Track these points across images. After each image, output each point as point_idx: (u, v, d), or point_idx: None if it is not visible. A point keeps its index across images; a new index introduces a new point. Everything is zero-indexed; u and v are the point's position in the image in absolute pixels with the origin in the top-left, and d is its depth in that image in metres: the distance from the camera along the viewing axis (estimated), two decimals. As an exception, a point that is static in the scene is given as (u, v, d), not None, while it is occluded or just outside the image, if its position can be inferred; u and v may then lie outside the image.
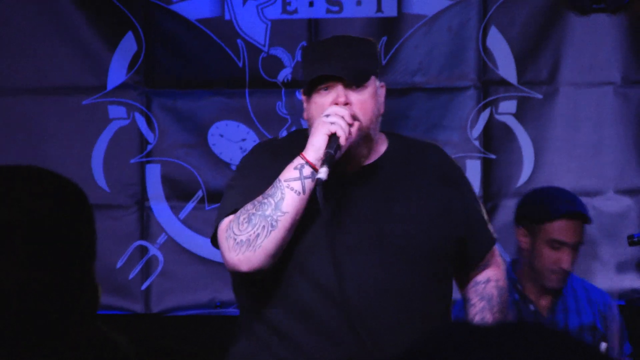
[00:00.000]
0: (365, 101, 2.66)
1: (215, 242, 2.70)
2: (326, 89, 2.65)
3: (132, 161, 4.37)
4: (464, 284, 2.88)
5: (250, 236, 2.55)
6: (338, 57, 2.66)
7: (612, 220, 4.37)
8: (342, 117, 2.56)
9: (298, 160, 2.60)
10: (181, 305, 4.49)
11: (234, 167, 4.46)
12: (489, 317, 2.70)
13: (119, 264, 4.36)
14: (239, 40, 4.32)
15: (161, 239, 4.49)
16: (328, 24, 4.34)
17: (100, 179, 4.36)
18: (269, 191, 2.61)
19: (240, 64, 4.36)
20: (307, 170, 2.53)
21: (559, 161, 4.46)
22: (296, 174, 2.56)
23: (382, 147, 2.78)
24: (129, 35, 4.32)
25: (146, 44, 4.33)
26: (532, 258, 3.47)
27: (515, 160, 4.47)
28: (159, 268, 4.52)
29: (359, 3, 4.35)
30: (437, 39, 4.30)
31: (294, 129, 4.48)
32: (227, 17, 4.31)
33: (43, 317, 1.58)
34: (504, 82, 4.38)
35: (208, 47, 4.34)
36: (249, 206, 2.64)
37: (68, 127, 4.40)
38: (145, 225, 4.41)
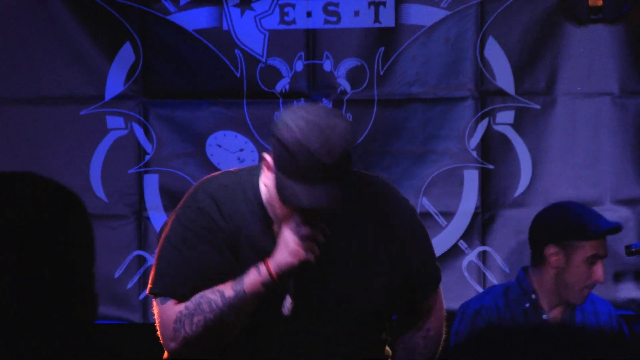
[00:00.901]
0: (337, 195, 2.55)
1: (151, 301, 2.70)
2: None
3: (130, 171, 4.38)
4: (399, 327, 2.89)
5: (205, 342, 2.57)
6: (324, 191, 2.51)
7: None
8: (315, 244, 2.53)
9: (264, 275, 2.56)
10: None
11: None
12: None
13: (117, 274, 4.37)
14: (236, 51, 4.32)
15: None
16: (326, 34, 4.37)
17: (99, 189, 4.37)
18: (232, 300, 2.58)
19: (238, 74, 4.36)
20: (270, 282, 2.51)
21: (556, 171, 4.47)
22: (262, 288, 2.53)
23: None
24: (127, 46, 4.33)
25: (144, 54, 4.34)
26: (565, 274, 3.57)
27: (513, 170, 4.47)
28: None
29: (356, 14, 4.35)
30: (434, 49, 4.32)
31: None
32: (225, 27, 4.33)
33: (36, 323, 1.57)
34: (501, 93, 4.39)
35: (206, 57, 4.35)
36: (205, 306, 2.62)
37: (66, 137, 4.39)
38: (144, 236, 4.41)
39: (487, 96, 4.41)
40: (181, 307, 2.59)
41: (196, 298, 2.59)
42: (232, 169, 2.87)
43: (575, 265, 3.56)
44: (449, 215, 4.31)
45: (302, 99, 4.54)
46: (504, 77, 4.39)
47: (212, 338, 2.58)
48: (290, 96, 4.33)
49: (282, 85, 4.37)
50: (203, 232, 2.66)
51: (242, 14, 4.32)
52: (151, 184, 4.39)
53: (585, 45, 4.40)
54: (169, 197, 4.37)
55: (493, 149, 4.50)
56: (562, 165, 4.48)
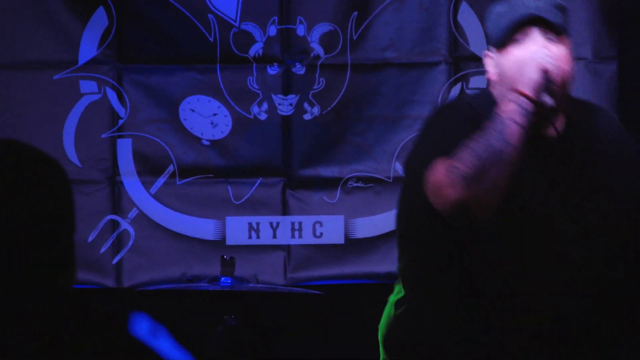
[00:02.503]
0: (566, 57, 2.49)
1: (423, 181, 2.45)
2: (519, 41, 2.51)
3: (103, 136, 4.45)
4: None
5: (478, 169, 2.31)
6: (539, 3, 2.51)
7: None
8: (552, 58, 2.41)
9: (513, 95, 2.42)
10: (152, 279, 4.53)
11: (205, 142, 4.58)
12: None
13: (90, 238, 4.43)
14: (210, 15, 4.38)
15: (132, 213, 4.55)
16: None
17: (72, 154, 4.45)
18: (489, 125, 2.40)
19: (212, 39, 4.41)
20: (526, 104, 2.35)
21: None
22: (515, 106, 2.38)
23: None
24: (100, 10, 4.38)
25: (117, 18, 4.39)
26: None
27: None
28: (130, 242, 4.57)
29: None
30: (408, 15, 4.41)
31: (265, 103, 4.55)
32: None
33: (21, 291, 1.57)
34: (474, 58, 4.37)
35: (179, 22, 4.40)
36: (466, 142, 2.40)
37: (39, 102, 4.45)
38: (117, 200, 4.48)
39: (460, 61, 4.46)
40: (448, 160, 2.42)
41: (460, 149, 2.43)
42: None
43: None
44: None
45: (275, 64, 4.55)
46: (477, 42, 4.39)
47: (488, 172, 2.34)
48: (264, 61, 4.41)
49: (256, 50, 4.43)
50: (453, 128, 2.56)
51: None
52: (124, 148, 4.46)
53: None
54: (143, 162, 4.45)
55: (467, 113, 4.35)
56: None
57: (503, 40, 2.45)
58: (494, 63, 2.48)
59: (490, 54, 2.51)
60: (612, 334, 2.29)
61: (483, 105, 2.52)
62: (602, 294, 2.36)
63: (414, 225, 2.49)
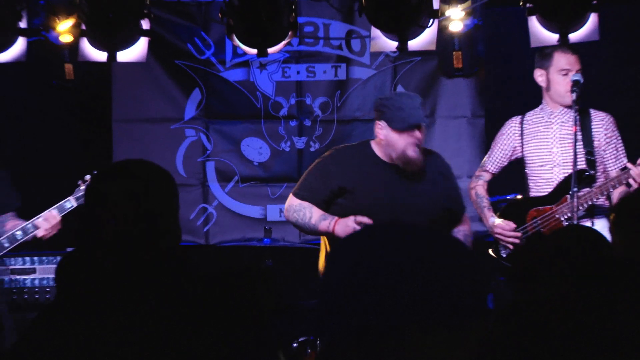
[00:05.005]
0: (422, 138, 3.75)
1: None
2: (403, 132, 3.62)
3: (198, 160, 5.80)
4: (449, 229, 3.93)
5: (294, 223, 3.79)
6: (418, 111, 3.69)
7: (467, 194, 4.98)
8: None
9: (330, 228, 3.70)
10: (225, 240, 5.78)
11: (255, 163, 5.75)
12: None
13: (191, 217, 5.77)
14: (257, 92, 5.74)
15: (214, 203, 5.81)
16: (307, 83, 5.70)
17: (181, 170, 5.80)
18: (310, 223, 3.71)
19: (259, 106, 5.77)
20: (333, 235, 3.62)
21: None
22: (326, 232, 3.70)
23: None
24: (197, 90, 5.74)
25: (206, 95, 5.71)
26: None
27: None
28: (213, 219, 5.82)
29: (325, 72, 5.71)
30: (368, 91, 5.69)
31: (288, 142, 5.79)
32: (251, 79, 5.75)
33: (150, 246, 1.92)
34: None
35: (241, 96, 5.68)
36: (300, 213, 3.73)
37: (162, 141, 5.78)
38: (205, 195, 5.79)
39: None
40: (296, 202, 3.82)
41: (303, 204, 3.79)
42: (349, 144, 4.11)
43: None
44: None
45: (294, 120, 5.73)
46: None
47: (298, 228, 3.89)
48: (288, 118, 5.69)
49: (283, 112, 5.79)
50: (326, 173, 3.81)
51: (260, 72, 5.73)
52: (210, 167, 5.76)
53: (452, 89, 5.63)
54: (220, 174, 5.73)
55: (401, 147, 5.35)
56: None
57: (396, 127, 3.70)
58: (384, 133, 3.76)
59: (381, 124, 3.75)
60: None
61: (357, 153, 3.79)
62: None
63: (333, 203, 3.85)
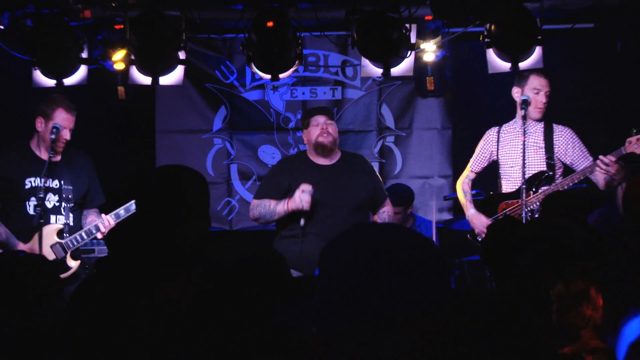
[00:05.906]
0: (335, 128, 4.59)
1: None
2: (316, 124, 4.53)
3: (224, 163, 6.75)
4: (373, 214, 4.72)
5: (258, 218, 4.51)
6: (324, 109, 4.63)
7: (437, 190, 6.52)
8: (309, 199, 4.24)
9: (285, 208, 4.36)
10: (246, 226, 6.70)
11: (269, 166, 6.47)
12: None
13: (218, 208, 6.72)
14: (271, 109, 6.72)
15: (237, 197, 6.78)
16: (311, 102, 6.66)
17: (210, 171, 6.73)
18: (271, 209, 4.33)
19: (272, 119, 6.71)
20: (289, 213, 4.33)
21: (413, 164, 6.61)
22: (284, 213, 4.42)
23: (338, 154, 4.70)
24: (222, 107, 6.72)
25: (231, 111, 6.71)
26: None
27: (393, 162, 6.56)
28: (236, 210, 6.79)
29: (324, 93, 6.63)
30: (359, 109, 6.66)
31: (296, 149, 6.61)
32: (266, 99, 6.71)
33: (186, 234, 2.15)
34: (388, 129, 6.53)
35: (257, 113, 6.66)
36: (262, 206, 4.37)
37: (195, 148, 6.67)
38: (230, 191, 6.73)
39: (382, 130, 6.50)
40: (257, 201, 4.69)
41: (263, 200, 4.67)
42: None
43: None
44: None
45: (300, 131, 6.47)
46: (389, 121, 6.52)
47: (262, 221, 4.71)
48: (295, 129, 6.69)
49: (291, 124, 6.73)
50: (278, 173, 4.62)
51: (273, 93, 6.72)
52: (234, 168, 6.72)
53: (425, 107, 6.55)
54: (241, 174, 6.70)
55: (385, 153, 6.53)
56: (416, 161, 6.58)
57: (305, 125, 4.31)
58: (305, 137, 4.42)
59: (304, 132, 4.42)
60: None
61: (297, 160, 4.49)
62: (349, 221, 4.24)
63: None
